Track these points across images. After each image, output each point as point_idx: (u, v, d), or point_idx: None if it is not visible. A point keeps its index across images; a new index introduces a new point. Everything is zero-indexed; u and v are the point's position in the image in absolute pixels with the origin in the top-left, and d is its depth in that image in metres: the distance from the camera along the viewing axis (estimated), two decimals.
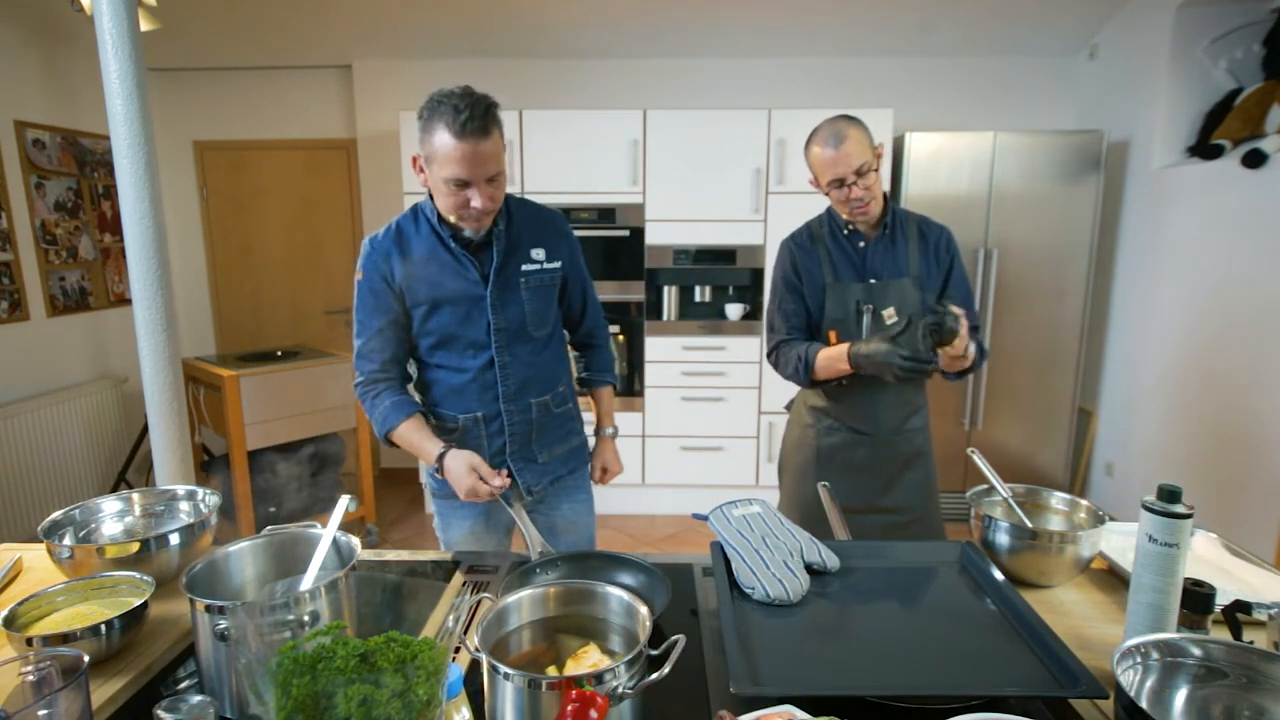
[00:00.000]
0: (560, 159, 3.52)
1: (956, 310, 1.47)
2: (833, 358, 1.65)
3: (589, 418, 1.77)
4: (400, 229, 1.52)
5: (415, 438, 1.49)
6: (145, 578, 1.10)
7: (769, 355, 1.83)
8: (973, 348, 1.62)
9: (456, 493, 1.44)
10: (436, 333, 1.53)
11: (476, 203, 1.38)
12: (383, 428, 1.51)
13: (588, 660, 0.89)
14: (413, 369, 1.64)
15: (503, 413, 1.56)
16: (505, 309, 1.52)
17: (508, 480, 1.41)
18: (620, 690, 0.78)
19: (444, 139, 1.32)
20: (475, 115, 1.30)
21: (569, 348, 1.78)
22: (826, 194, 1.67)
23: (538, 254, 1.56)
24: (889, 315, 1.68)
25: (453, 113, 1.30)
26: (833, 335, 1.73)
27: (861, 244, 1.72)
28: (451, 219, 1.45)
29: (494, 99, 1.37)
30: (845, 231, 1.73)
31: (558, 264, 1.59)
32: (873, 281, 1.70)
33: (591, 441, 1.79)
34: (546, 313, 1.59)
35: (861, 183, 1.60)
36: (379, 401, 1.53)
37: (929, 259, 1.71)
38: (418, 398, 1.63)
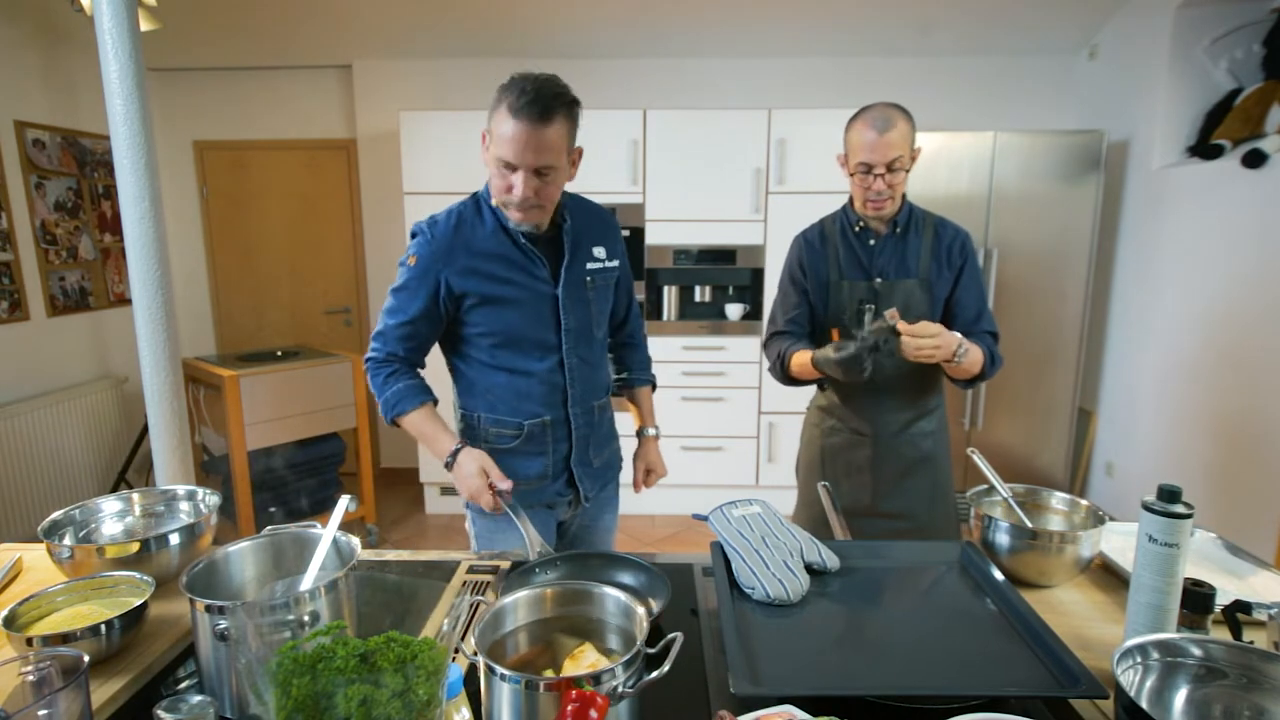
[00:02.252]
0: None
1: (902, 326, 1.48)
2: (803, 361, 1.66)
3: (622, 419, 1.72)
4: (461, 219, 1.44)
5: (429, 428, 1.42)
6: (145, 578, 1.10)
7: (763, 345, 1.83)
8: (978, 356, 1.60)
9: (460, 491, 1.40)
10: (502, 333, 1.45)
11: (517, 191, 1.31)
12: (393, 411, 1.43)
13: (584, 660, 0.89)
14: (429, 365, 1.58)
15: (570, 417, 1.52)
16: (574, 309, 1.47)
17: (511, 485, 1.35)
18: (619, 690, 0.78)
19: (502, 116, 1.28)
20: (538, 99, 1.25)
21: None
22: (850, 175, 1.63)
23: (599, 252, 1.52)
24: (891, 315, 1.66)
25: (517, 92, 1.26)
26: (835, 333, 1.72)
27: (871, 242, 1.70)
28: (494, 203, 1.40)
29: (569, 92, 1.31)
30: (856, 229, 1.71)
31: (616, 262, 1.56)
32: (878, 280, 1.69)
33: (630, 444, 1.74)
34: (606, 313, 1.57)
35: (889, 177, 1.57)
36: (393, 382, 1.43)
37: (940, 261, 1.67)
38: (459, 400, 1.56)
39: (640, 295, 3.68)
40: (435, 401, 1.47)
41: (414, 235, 1.45)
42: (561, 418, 1.51)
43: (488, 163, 1.36)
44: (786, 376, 1.75)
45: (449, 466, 1.39)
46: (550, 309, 1.45)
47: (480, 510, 1.55)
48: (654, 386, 1.78)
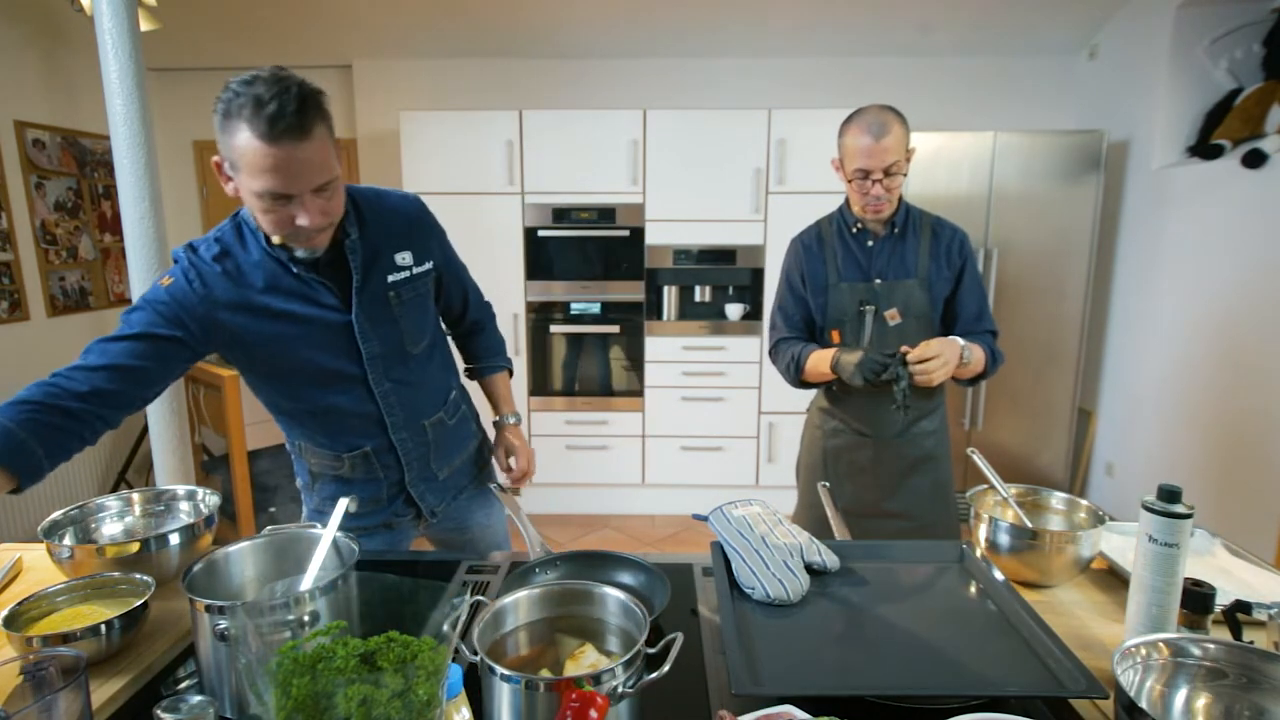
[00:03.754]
0: (560, 159, 3.52)
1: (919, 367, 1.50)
2: (819, 360, 1.65)
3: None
4: (226, 250, 1.21)
5: None
6: (145, 578, 1.10)
7: (770, 351, 1.83)
8: (980, 355, 1.61)
9: None
10: (293, 373, 1.28)
11: (303, 220, 1.10)
12: None
13: (585, 660, 0.89)
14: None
15: (395, 444, 1.37)
16: (376, 331, 1.29)
17: None
18: (619, 690, 0.78)
19: (248, 141, 1.02)
20: (286, 110, 1.01)
21: (450, 341, 1.57)
22: (847, 181, 1.63)
23: (403, 258, 1.31)
24: (891, 316, 1.67)
25: (254, 106, 1.00)
26: (835, 335, 1.72)
27: (869, 243, 1.70)
28: (275, 240, 1.18)
29: (312, 85, 1.07)
30: (854, 230, 1.71)
31: (428, 264, 1.36)
32: (877, 281, 1.68)
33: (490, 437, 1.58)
34: (424, 323, 1.38)
35: (887, 182, 1.57)
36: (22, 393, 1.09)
37: (939, 261, 1.68)
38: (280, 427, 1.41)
39: (640, 295, 3.67)
40: (43, 422, 1.07)
41: (175, 261, 1.21)
42: (385, 445, 1.37)
43: (239, 195, 1.11)
44: (801, 379, 1.74)
45: None
46: (346, 338, 1.26)
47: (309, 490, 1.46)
48: (510, 372, 1.59)
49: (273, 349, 1.25)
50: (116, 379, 1.12)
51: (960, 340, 1.55)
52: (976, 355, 1.59)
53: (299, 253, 1.19)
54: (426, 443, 1.43)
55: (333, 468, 1.40)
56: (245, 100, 1.02)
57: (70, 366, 1.12)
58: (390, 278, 1.30)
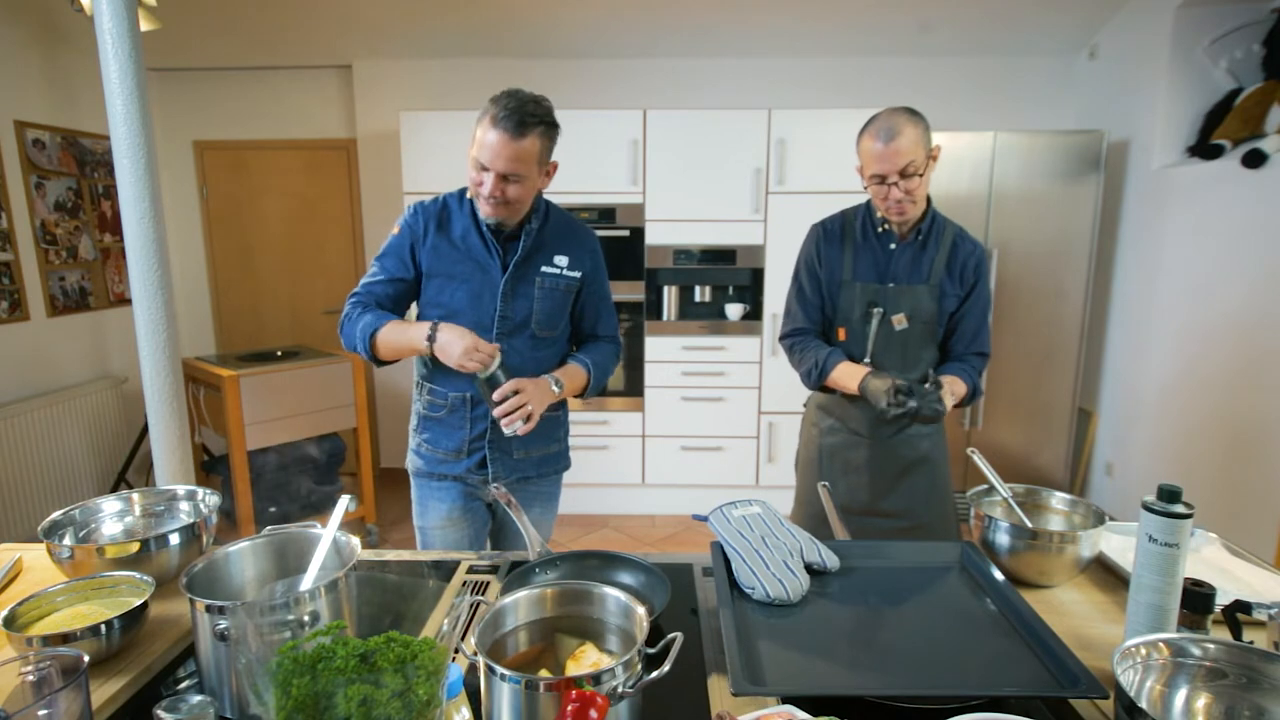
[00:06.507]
0: (560, 159, 3.50)
1: (944, 392, 1.54)
2: (845, 376, 1.66)
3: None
4: (446, 204, 1.62)
5: (400, 327, 1.54)
6: (145, 578, 1.10)
7: (782, 339, 1.82)
8: (962, 390, 1.66)
9: (449, 361, 1.46)
10: (446, 306, 1.59)
11: (485, 188, 1.46)
12: (367, 331, 1.54)
13: (586, 660, 0.89)
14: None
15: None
16: (515, 300, 1.58)
17: (497, 349, 1.47)
18: (619, 690, 0.78)
19: (485, 124, 1.44)
20: (511, 114, 1.41)
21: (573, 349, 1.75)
22: (866, 186, 1.63)
23: (560, 260, 1.63)
24: (898, 321, 1.67)
25: (501, 105, 1.43)
26: (841, 332, 1.72)
27: (891, 246, 1.69)
28: (469, 195, 1.56)
29: (549, 114, 1.47)
30: (878, 230, 1.70)
31: (578, 274, 1.66)
32: (890, 285, 1.69)
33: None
34: (556, 316, 1.64)
35: (904, 184, 1.56)
36: (361, 316, 1.57)
37: (954, 274, 1.68)
38: (415, 362, 1.69)
39: (640, 295, 3.67)
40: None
41: (409, 210, 1.64)
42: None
43: (468, 157, 1.50)
44: (820, 385, 1.74)
45: (431, 341, 1.49)
46: (491, 294, 1.58)
47: (422, 478, 1.68)
48: (588, 382, 1.67)
49: (441, 284, 1.59)
50: (388, 303, 1.62)
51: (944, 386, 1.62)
52: (959, 392, 1.66)
53: (482, 216, 1.54)
54: None
55: (435, 408, 1.65)
56: (498, 102, 1.44)
57: (358, 300, 1.61)
58: (544, 268, 1.62)
